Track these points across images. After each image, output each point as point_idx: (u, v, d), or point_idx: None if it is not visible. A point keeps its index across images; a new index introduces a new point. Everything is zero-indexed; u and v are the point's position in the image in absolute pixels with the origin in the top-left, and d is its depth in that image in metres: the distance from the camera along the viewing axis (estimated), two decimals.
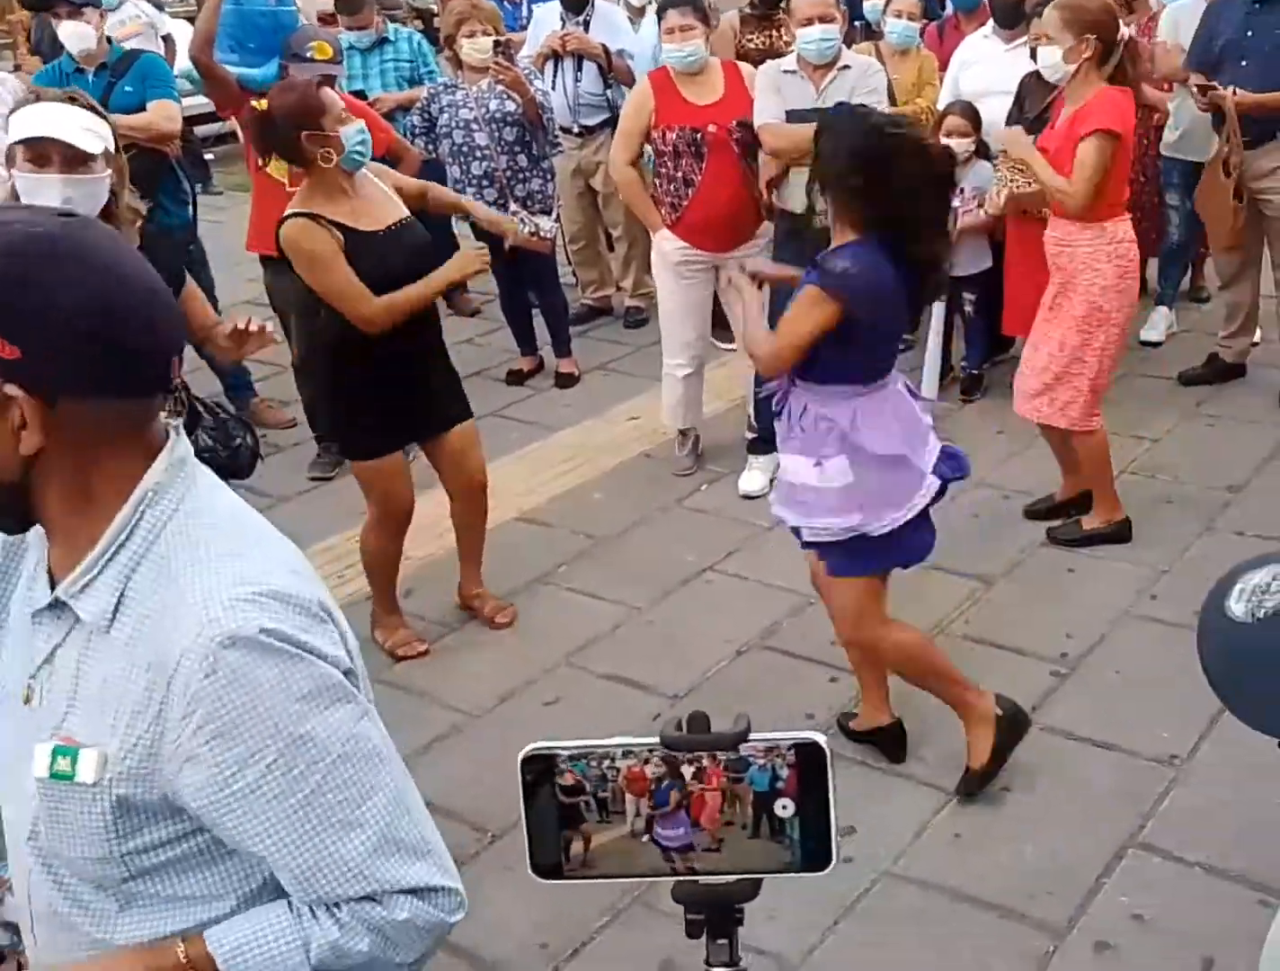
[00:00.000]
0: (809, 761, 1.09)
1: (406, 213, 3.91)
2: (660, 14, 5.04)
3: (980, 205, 5.55)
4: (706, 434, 5.52)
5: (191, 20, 12.17)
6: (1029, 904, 3.05)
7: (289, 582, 1.34)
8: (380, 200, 3.89)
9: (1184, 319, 6.36)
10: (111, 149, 3.13)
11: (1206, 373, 5.72)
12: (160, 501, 1.33)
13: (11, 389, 1.23)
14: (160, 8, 10.89)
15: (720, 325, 5.54)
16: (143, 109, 5.46)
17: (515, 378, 6.40)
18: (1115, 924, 2.98)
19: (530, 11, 7.26)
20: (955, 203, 5.59)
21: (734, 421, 5.59)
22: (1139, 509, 4.64)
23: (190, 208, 5.81)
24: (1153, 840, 3.21)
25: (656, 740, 1.09)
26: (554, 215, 6.15)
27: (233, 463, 3.35)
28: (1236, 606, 1.23)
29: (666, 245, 5.15)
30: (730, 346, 5.83)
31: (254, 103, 5.12)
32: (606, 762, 1.10)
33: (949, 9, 6.77)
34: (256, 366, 6.05)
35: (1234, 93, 5.01)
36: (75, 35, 5.46)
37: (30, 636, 1.39)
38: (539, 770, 1.10)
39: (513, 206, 5.88)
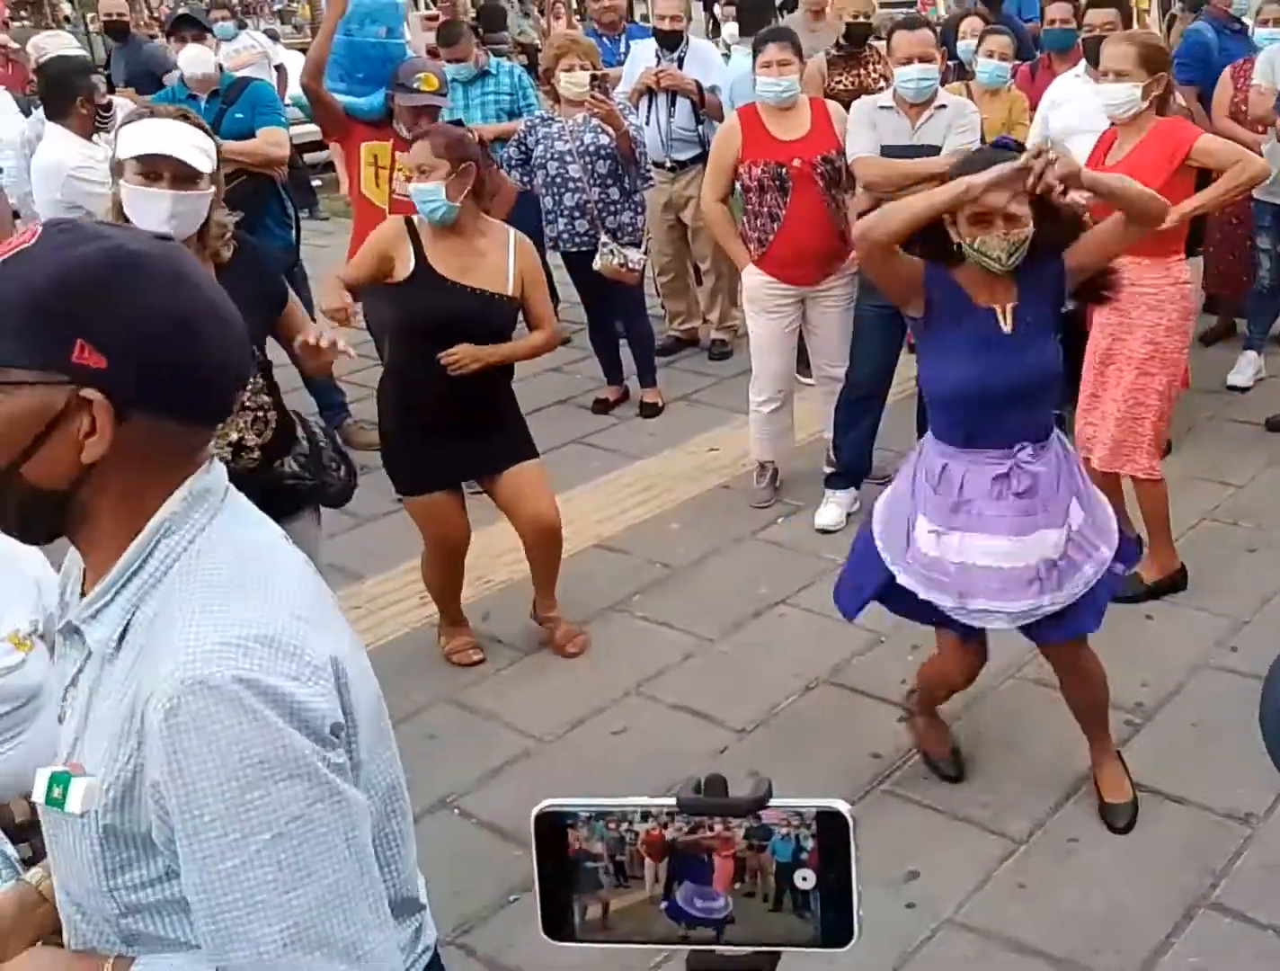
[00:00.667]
0: (831, 830, 1.02)
1: (507, 291, 3.88)
2: (758, 48, 5.00)
3: None
4: (784, 466, 5.44)
5: (304, 51, 12.46)
6: (1093, 959, 2.93)
7: (287, 628, 1.27)
8: (488, 263, 3.88)
9: (1272, 364, 6.15)
10: (215, 169, 3.15)
11: None
12: (176, 532, 1.30)
13: (91, 393, 1.22)
14: (275, 39, 11.16)
15: (801, 361, 5.47)
16: (252, 135, 5.59)
17: (601, 406, 6.39)
18: None
19: (628, 47, 7.26)
20: None
21: (811, 455, 5.51)
22: (1220, 556, 4.47)
23: (294, 231, 5.90)
24: (1224, 900, 3.06)
25: (673, 802, 1.04)
26: (643, 247, 6.14)
27: (318, 493, 3.36)
28: None
29: (753, 279, 5.11)
30: (809, 381, 5.75)
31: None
32: (625, 825, 1.05)
33: (1042, 49, 6.65)
34: (353, 389, 6.12)
35: None
36: (196, 60, 5.62)
37: (65, 655, 1.38)
38: (554, 828, 1.05)
39: (603, 237, 5.88)
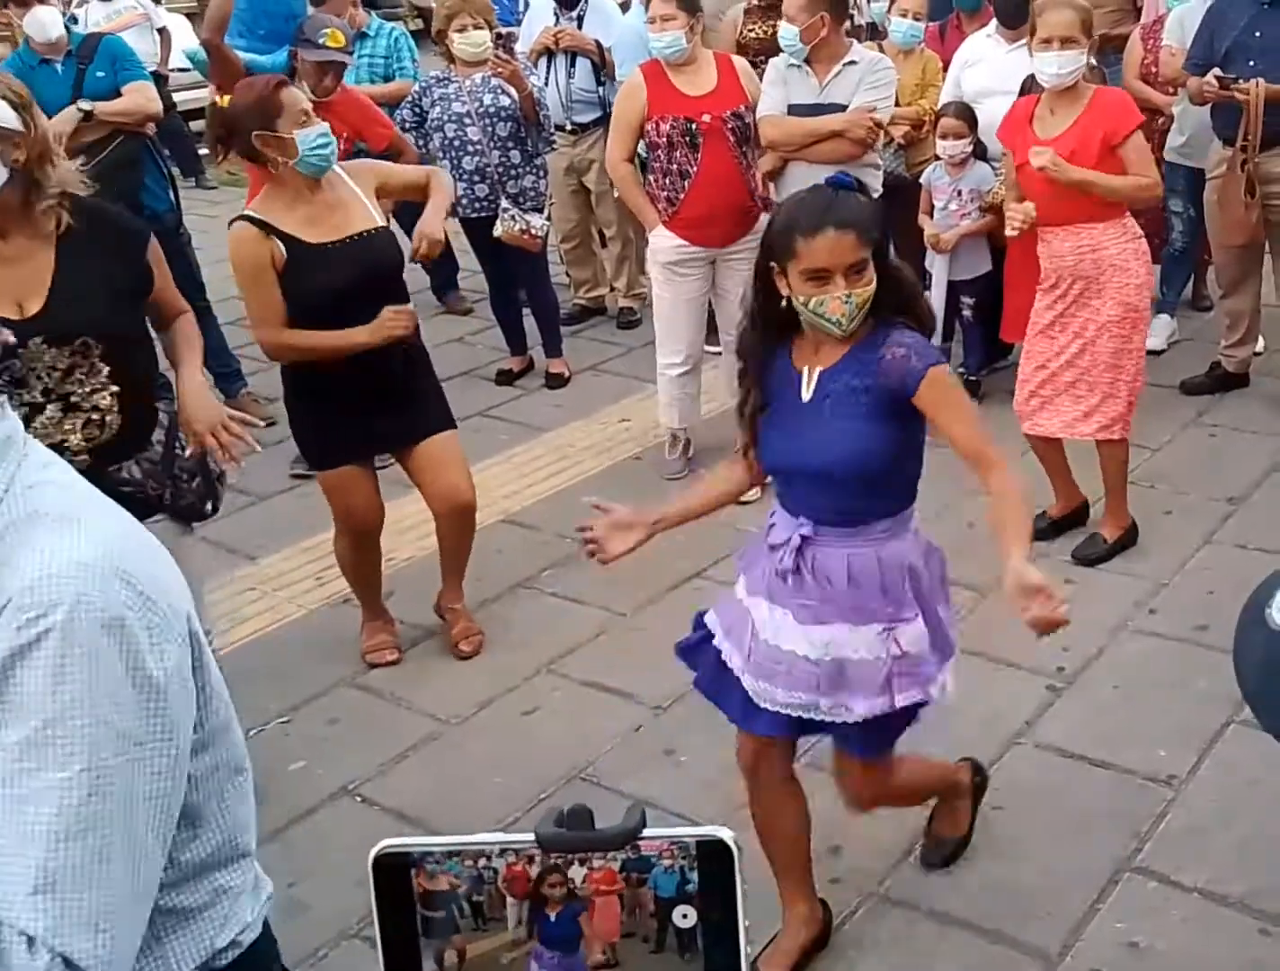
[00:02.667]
0: (714, 861, 0.93)
1: (377, 223, 3.74)
2: (646, 3, 4.93)
3: (981, 208, 5.43)
4: (697, 437, 5.39)
5: (188, 15, 12.13)
6: (1021, 929, 2.93)
7: (128, 559, 1.28)
8: (347, 207, 3.72)
9: (1186, 327, 6.25)
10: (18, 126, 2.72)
11: (1208, 382, 5.61)
12: None
13: None
14: (157, 1, 10.81)
15: (709, 328, 5.42)
16: (117, 94, 5.45)
17: (505, 377, 6.29)
18: (1110, 951, 2.86)
19: (526, 5, 7.14)
20: (953, 205, 5.50)
21: (722, 425, 5.43)
22: (1138, 519, 4.51)
23: (173, 190, 5.73)
24: (1149, 863, 3.09)
25: (531, 838, 0.93)
26: (545, 213, 6.04)
27: (161, 505, 3.06)
28: (1278, 615, 1.12)
29: (663, 242, 5.05)
30: (716, 349, 5.70)
31: (216, 99, 5.04)
32: (483, 862, 0.94)
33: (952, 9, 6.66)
34: (249, 362, 5.95)
35: (1258, 85, 4.88)
36: (47, 22, 5.39)
37: None
38: (397, 869, 0.95)
39: (504, 203, 5.78)
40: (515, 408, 6.01)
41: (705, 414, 5.49)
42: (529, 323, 6.32)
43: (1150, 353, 5.95)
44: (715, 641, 2.79)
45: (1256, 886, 2.97)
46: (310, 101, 3.76)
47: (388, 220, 3.88)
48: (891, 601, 2.57)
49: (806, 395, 2.54)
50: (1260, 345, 5.74)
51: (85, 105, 5.32)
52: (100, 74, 5.42)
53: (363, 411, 3.76)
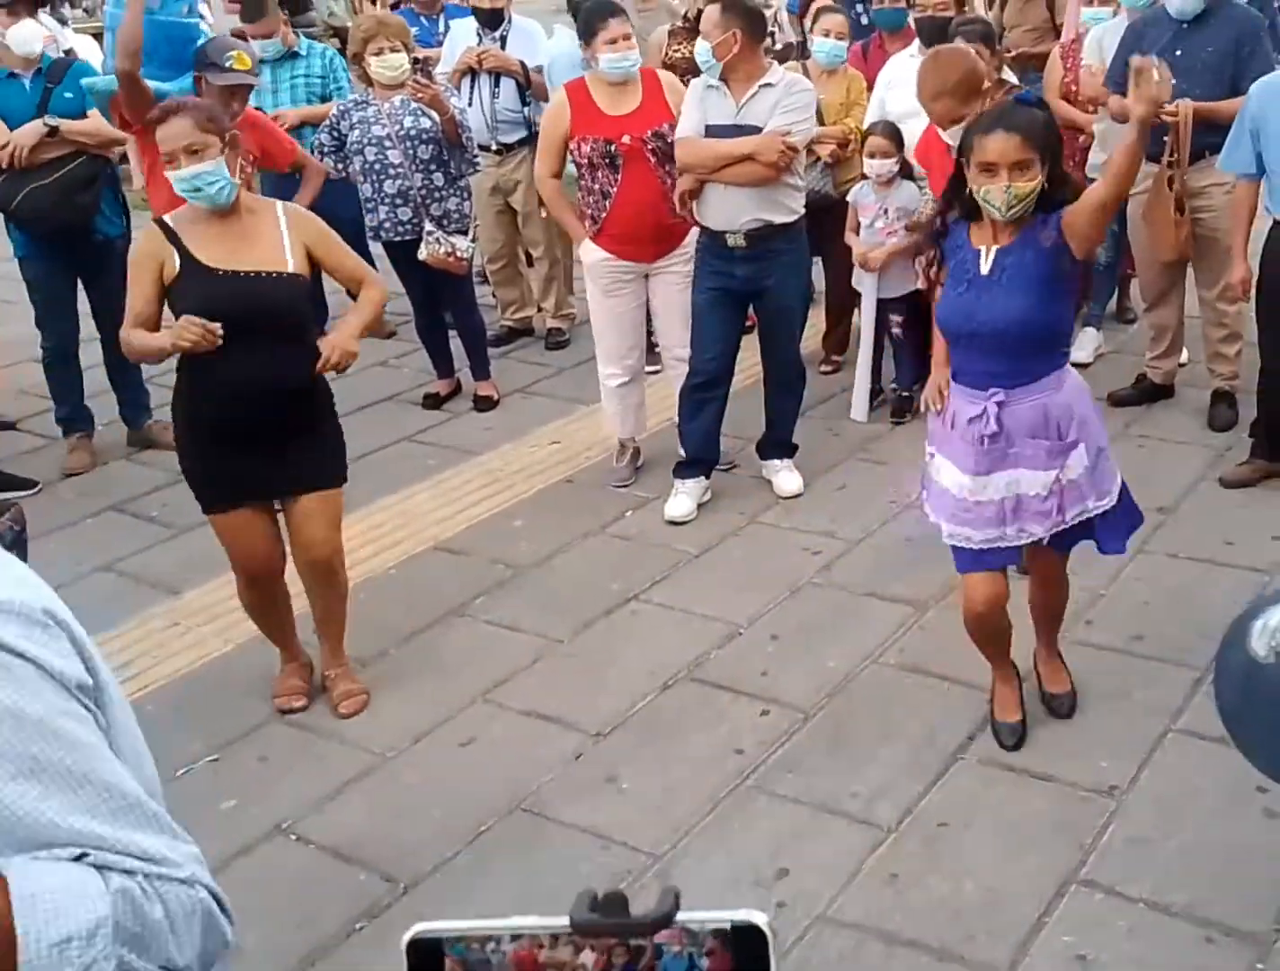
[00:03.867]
0: (745, 947, 0.87)
1: (286, 269, 3.61)
2: (595, 25, 4.92)
3: (907, 227, 5.50)
4: (645, 449, 5.42)
5: (95, 35, 11.94)
6: (968, 945, 2.94)
7: (9, 591, 1.25)
8: (259, 242, 3.62)
9: (1111, 340, 6.37)
10: None
11: (1135, 393, 5.71)
12: None
13: None
14: (63, 23, 10.66)
15: (649, 345, 5.46)
16: (84, 116, 5.48)
17: (432, 401, 6.25)
18: (1058, 965, 2.88)
19: (448, 27, 7.13)
20: (879, 223, 5.57)
21: (659, 443, 5.47)
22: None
23: (125, 218, 5.75)
24: (1094, 876, 3.12)
25: (565, 923, 0.90)
26: (470, 235, 6.02)
27: None
28: (1258, 645, 1.14)
29: (590, 257, 5.07)
30: (654, 368, 5.72)
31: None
32: (491, 946, 0.91)
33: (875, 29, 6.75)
34: (161, 392, 5.85)
35: (1176, 106, 5.00)
36: (30, 37, 5.46)
37: None
38: (431, 955, 0.92)
39: (428, 226, 5.75)
40: (443, 432, 5.97)
41: (652, 427, 5.50)
42: (455, 345, 6.29)
43: (1077, 365, 6.07)
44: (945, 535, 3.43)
45: (1200, 895, 3.02)
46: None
47: (309, 271, 3.72)
48: (1065, 442, 3.27)
49: (985, 268, 3.19)
50: (1185, 357, 5.86)
51: (51, 121, 5.35)
52: (68, 95, 5.45)
53: (249, 455, 3.65)
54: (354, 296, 3.89)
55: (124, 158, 9.30)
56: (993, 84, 4.73)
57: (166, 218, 3.68)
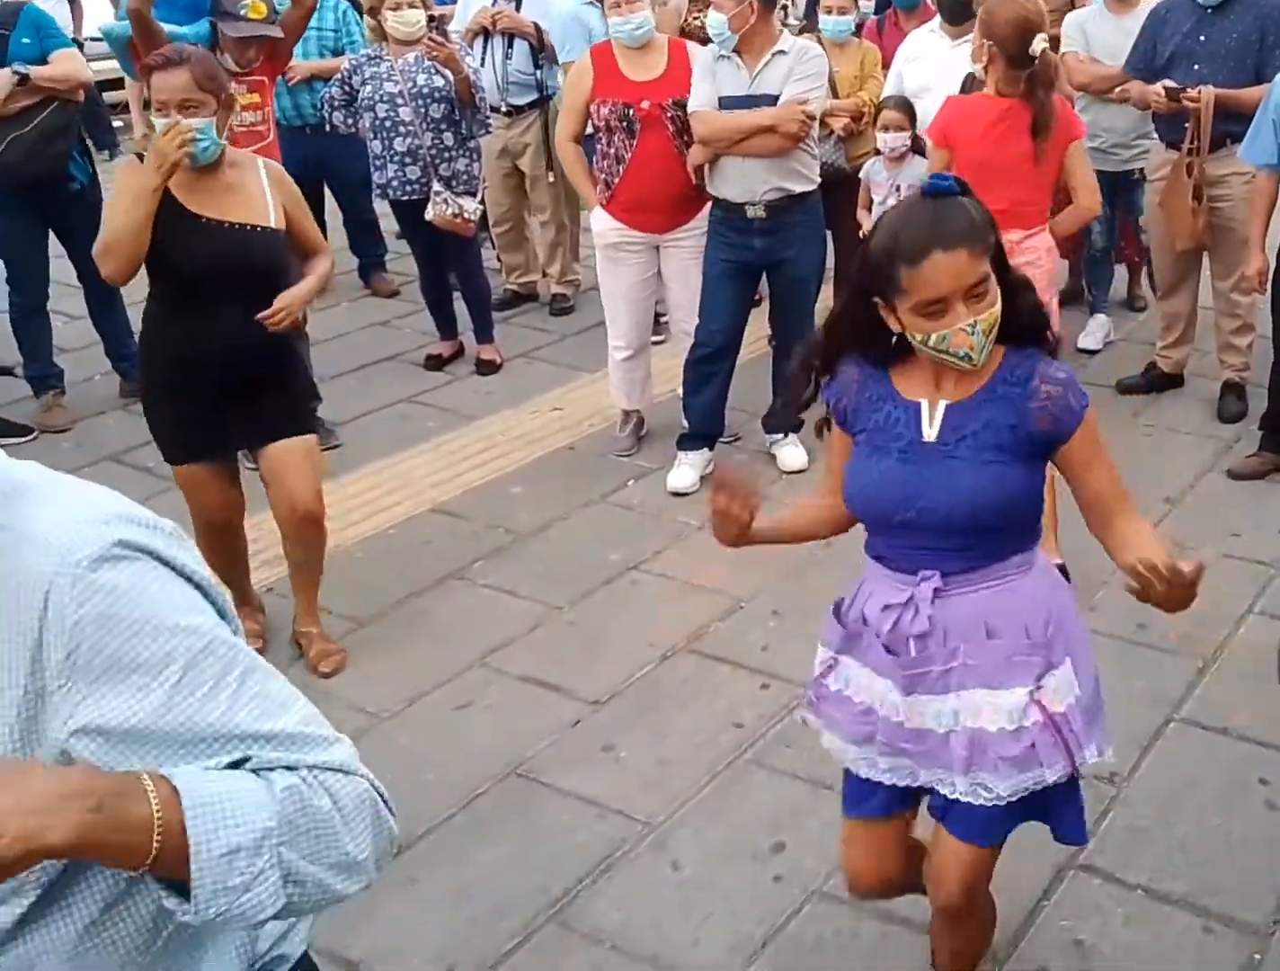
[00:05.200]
0: None
1: (268, 222, 3.63)
2: None
3: None
4: (648, 419, 5.39)
5: None
6: None
7: (138, 509, 1.27)
8: (243, 195, 3.62)
9: (1120, 327, 6.34)
10: None
11: (1143, 382, 5.69)
12: None
13: None
14: None
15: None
16: (43, 61, 5.30)
17: (434, 363, 6.21)
18: (1055, 950, 2.87)
19: None
20: (891, 200, 5.52)
21: (662, 414, 5.45)
22: (1077, 518, 4.54)
23: (90, 162, 5.70)
24: (1093, 861, 3.11)
25: None
26: (478, 197, 5.98)
27: None
28: None
29: (600, 225, 5.05)
30: (658, 338, 5.69)
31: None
32: None
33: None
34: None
35: (1199, 92, 4.97)
36: None
37: None
38: None
39: (436, 186, 5.71)
40: (444, 394, 5.94)
41: (655, 397, 5.47)
42: (459, 307, 6.25)
43: (1086, 352, 6.08)
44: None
45: (1198, 884, 3.02)
46: (209, 82, 3.56)
47: (282, 230, 3.70)
48: (1036, 644, 2.26)
49: (931, 433, 2.20)
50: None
51: (21, 69, 5.22)
52: (25, 40, 5.31)
53: (215, 407, 3.64)
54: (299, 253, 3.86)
55: (124, 107, 9.26)
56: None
57: (147, 155, 3.60)
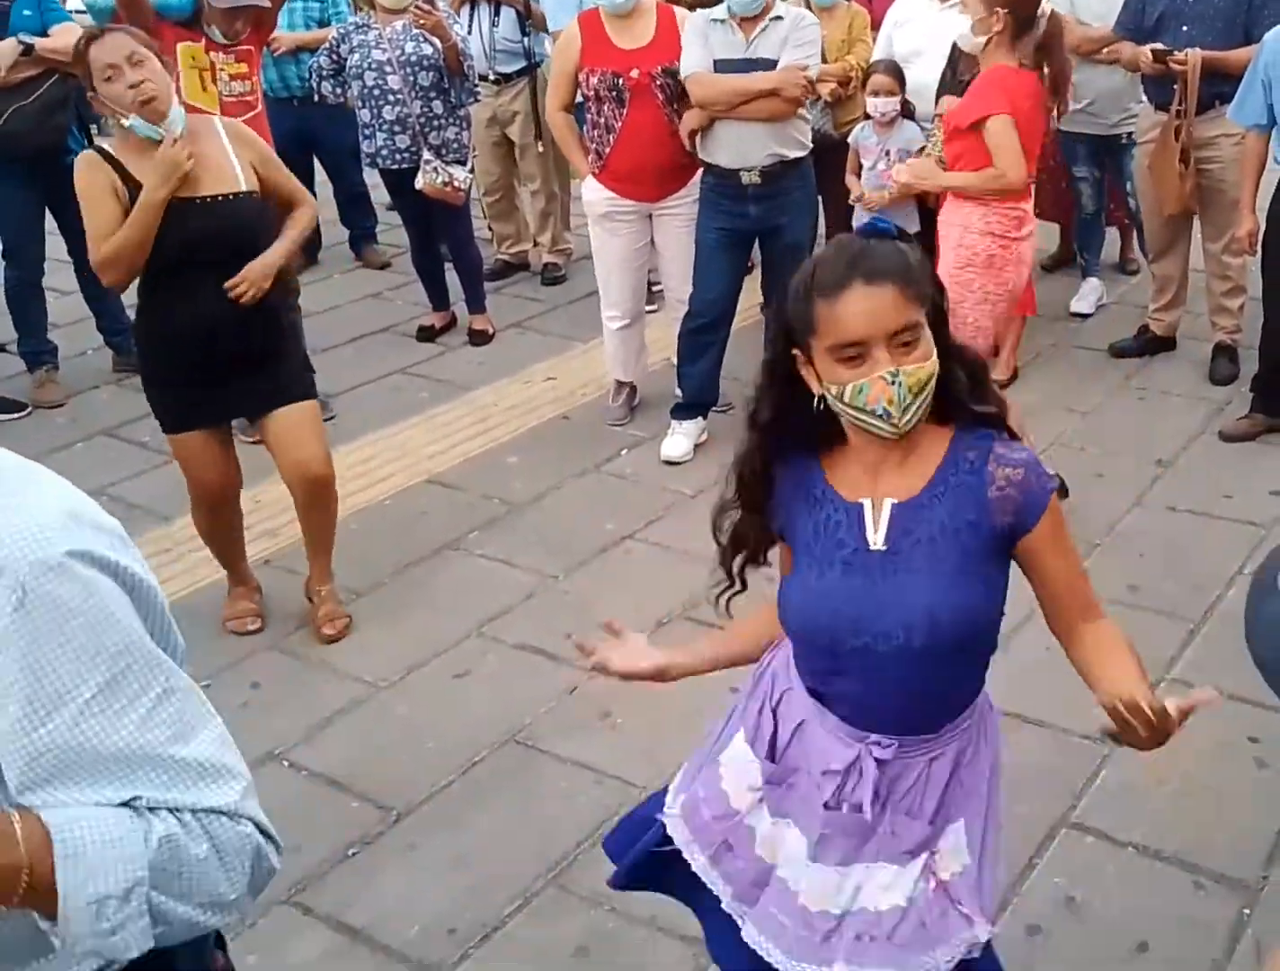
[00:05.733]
0: None
1: (240, 187, 3.59)
2: None
3: None
4: (641, 389, 5.41)
5: None
6: None
7: (83, 504, 1.28)
8: (208, 164, 3.56)
9: (1113, 291, 6.37)
10: None
11: (1136, 345, 5.72)
12: None
13: None
14: None
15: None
16: (44, 34, 5.33)
17: (426, 334, 6.23)
18: (1047, 907, 2.92)
19: None
20: (881, 165, 5.53)
21: (655, 383, 5.47)
22: (1069, 483, 4.59)
23: (86, 136, 5.68)
24: (1085, 820, 3.16)
25: None
26: (469, 166, 5.98)
27: None
28: None
29: (592, 194, 5.05)
30: (652, 308, 5.70)
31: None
32: None
33: None
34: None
35: (1194, 54, 4.97)
36: None
37: None
38: None
39: (426, 155, 5.71)
40: (437, 365, 5.95)
41: (649, 366, 5.49)
42: (451, 278, 6.26)
43: (1078, 315, 6.10)
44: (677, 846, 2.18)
45: (1189, 842, 3.07)
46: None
47: (257, 191, 3.67)
48: (945, 807, 1.99)
49: (877, 539, 1.89)
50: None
51: (26, 39, 5.21)
52: (27, 12, 5.30)
53: (214, 376, 3.65)
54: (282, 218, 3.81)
55: None
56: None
57: (106, 146, 3.60)
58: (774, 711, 2.08)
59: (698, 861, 2.13)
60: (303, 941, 2.91)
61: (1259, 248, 4.90)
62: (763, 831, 2.08)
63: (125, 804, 1.23)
